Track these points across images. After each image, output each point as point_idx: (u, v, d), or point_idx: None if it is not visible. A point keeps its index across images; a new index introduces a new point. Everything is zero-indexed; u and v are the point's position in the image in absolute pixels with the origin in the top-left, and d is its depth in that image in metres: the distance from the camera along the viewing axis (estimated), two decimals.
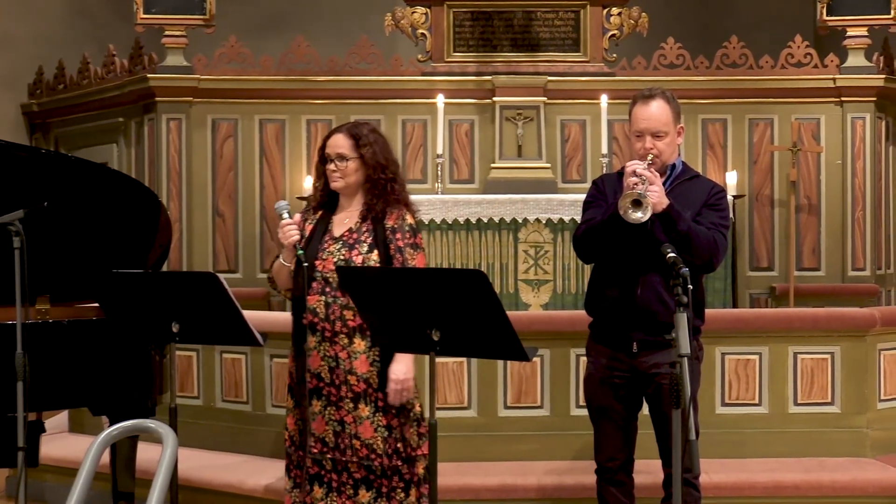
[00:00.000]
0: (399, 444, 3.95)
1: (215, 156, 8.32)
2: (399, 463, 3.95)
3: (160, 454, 2.65)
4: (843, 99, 8.28)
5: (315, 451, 3.97)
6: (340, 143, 4.01)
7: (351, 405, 3.93)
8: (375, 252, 3.94)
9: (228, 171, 8.34)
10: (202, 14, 8.14)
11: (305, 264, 3.89)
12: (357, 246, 3.96)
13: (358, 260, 3.92)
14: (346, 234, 4.00)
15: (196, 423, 5.81)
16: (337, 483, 3.95)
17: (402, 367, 3.89)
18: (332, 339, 3.93)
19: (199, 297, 3.83)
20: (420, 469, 4.00)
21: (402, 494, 3.96)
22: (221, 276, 3.82)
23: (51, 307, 4.74)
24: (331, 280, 3.92)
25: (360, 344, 3.92)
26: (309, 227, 4.09)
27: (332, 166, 4.01)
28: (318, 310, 3.93)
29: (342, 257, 3.94)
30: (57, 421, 6.45)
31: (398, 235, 3.97)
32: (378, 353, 3.93)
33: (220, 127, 8.32)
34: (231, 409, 5.87)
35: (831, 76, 8.28)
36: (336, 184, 4.02)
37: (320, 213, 4.11)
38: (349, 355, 3.92)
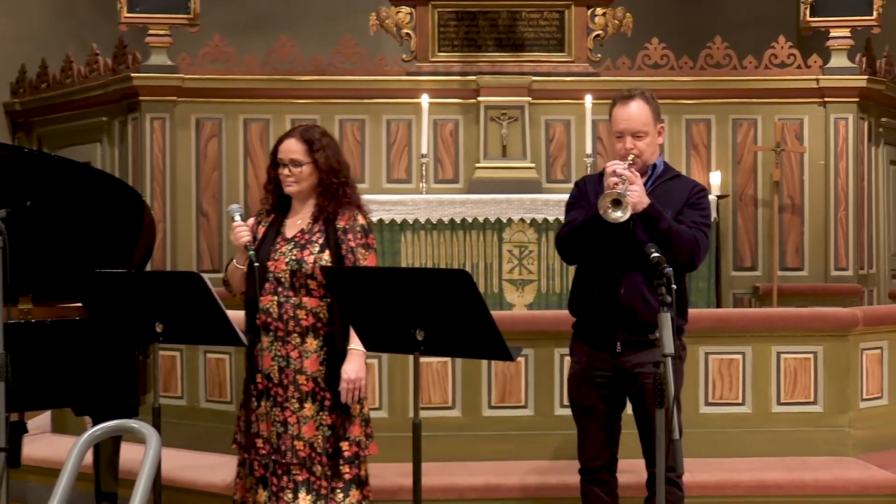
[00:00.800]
0: (342, 444, 3.96)
1: (199, 155, 8.30)
2: (339, 461, 3.95)
3: (143, 454, 2.64)
4: (826, 99, 8.31)
5: (263, 452, 3.99)
6: (294, 149, 4.04)
7: (297, 405, 3.95)
8: (327, 252, 3.96)
9: (212, 170, 8.32)
10: (186, 13, 8.12)
11: (257, 265, 3.92)
12: (308, 246, 3.98)
13: (310, 260, 3.95)
14: (298, 234, 4.03)
15: (180, 423, 5.79)
16: (277, 488, 3.96)
17: (355, 366, 3.91)
18: (284, 338, 3.95)
19: (182, 297, 3.83)
20: (364, 470, 4.02)
21: (342, 496, 3.96)
22: (205, 276, 3.82)
23: (34, 307, 4.73)
24: (283, 280, 3.95)
25: (311, 343, 3.94)
26: (262, 230, 4.11)
27: (285, 171, 4.04)
28: (271, 310, 3.96)
29: (294, 258, 3.97)
30: (39, 421, 6.43)
31: (350, 236, 3.99)
32: (328, 353, 3.95)
33: (203, 126, 8.30)
34: (215, 409, 5.86)
35: (814, 77, 8.31)
36: (290, 188, 4.05)
37: (272, 216, 4.12)
38: (300, 354, 3.94)
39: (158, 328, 3.87)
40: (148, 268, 5.58)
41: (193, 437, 5.84)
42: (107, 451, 4.67)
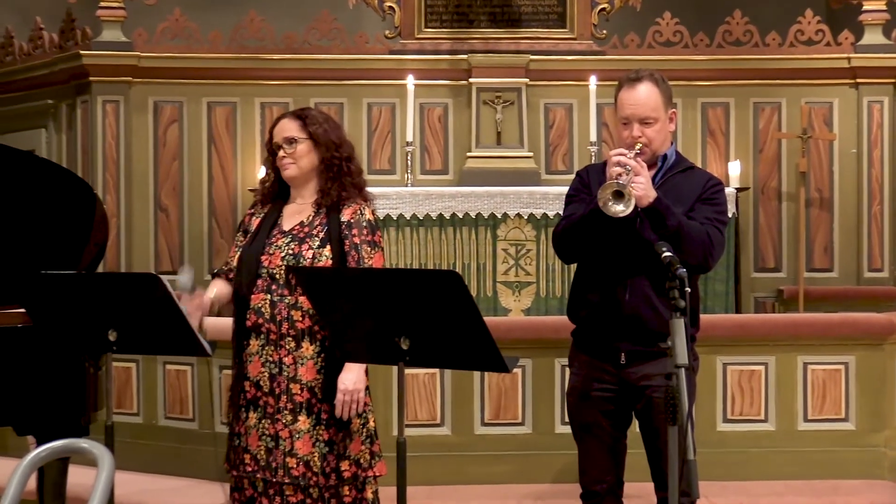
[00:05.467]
0: (342, 463, 3.96)
1: (158, 143, 8.30)
2: (335, 482, 3.95)
3: (94, 478, 2.65)
4: (858, 80, 8.35)
5: (249, 469, 3.98)
6: (287, 127, 4.07)
7: (289, 418, 3.94)
8: (328, 247, 3.96)
9: (172, 160, 8.31)
10: None
11: (211, 356, 3.91)
12: (308, 240, 3.98)
13: (308, 255, 3.94)
14: (297, 227, 4.03)
15: (135, 442, 5.80)
16: None
17: (352, 376, 3.90)
18: (277, 342, 3.95)
19: (139, 302, 3.82)
20: (369, 493, 4.01)
21: None
22: (164, 278, 3.82)
23: None
24: (277, 277, 3.95)
25: (308, 348, 3.93)
26: (256, 221, 4.11)
27: (281, 153, 4.04)
28: (262, 310, 3.95)
29: (291, 252, 3.96)
30: None
31: (354, 231, 3.99)
32: (326, 360, 3.95)
33: (162, 111, 8.30)
34: (175, 426, 5.87)
35: (845, 55, 8.34)
36: (288, 171, 4.05)
37: (269, 205, 4.13)
38: (294, 361, 3.93)
39: (112, 336, 3.87)
40: (100, 269, 5.58)
41: (151, 458, 5.85)
42: (53, 474, 4.66)
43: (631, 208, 3.68)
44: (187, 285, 3.99)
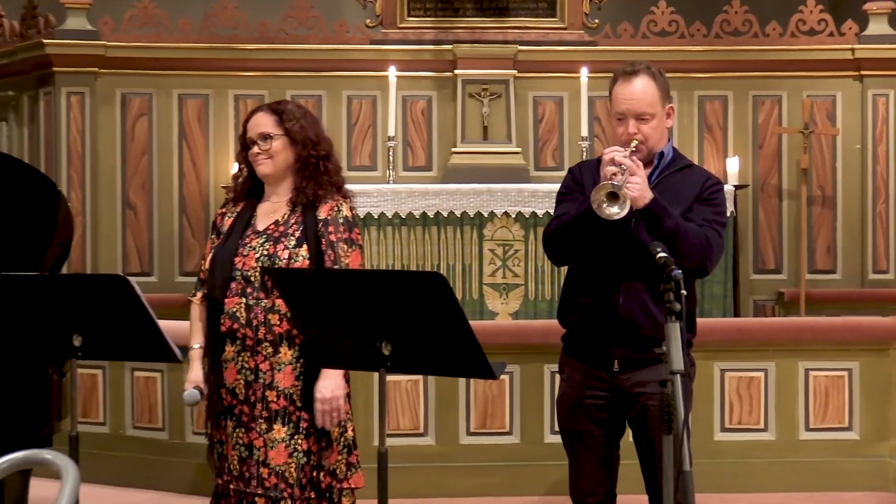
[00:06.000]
0: (318, 474, 3.96)
1: (125, 137, 8.28)
2: (312, 495, 3.95)
3: (58, 492, 2.64)
4: (862, 73, 8.37)
5: (226, 478, 3.99)
6: (262, 122, 4.06)
7: (264, 426, 3.94)
8: (304, 247, 3.96)
9: (141, 155, 8.30)
10: None
11: (182, 362, 3.92)
12: (283, 239, 3.98)
13: (284, 255, 3.94)
14: (272, 227, 4.03)
15: (101, 454, 5.78)
16: None
17: (330, 383, 3.90)
18: (253, 347, 3.94)
19: (105, 305, 3.82)
20: None
21: None
22: (132, 280, 3.81)
23: None
24: (252, 279, 3.94)
25: (286, 354, 3.93)
26: (228, 221, 4.10)
27: (255, 149, 4.04)
28: (237, 314, 3.95)
29: (265, 253, 3.96)
30: None
31: (331, 228, 3.99)
32: (305, 365, 3.94)
33: (130, 103, 8.28)
34: (143, 437, 5.85)
35: (849, 46, 8.37)
36: (263, 168, 4.05)
37: (242, 204, 4.12)
38: (272, 367, 3.93)
39: (76, 341, 3.86)
40: (64, 270, 5.56)
41: (118, 470, 5.83)
42: (14, 487, 4.65)
43: (626, 210, 3.68)
44: (196, 399, 4.03)
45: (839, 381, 5.72)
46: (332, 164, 4.11)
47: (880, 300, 8.08)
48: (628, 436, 4.05)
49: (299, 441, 3.94)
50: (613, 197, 3.67)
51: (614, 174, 3.72)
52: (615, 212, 3.68)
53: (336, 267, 3.93)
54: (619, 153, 3.80)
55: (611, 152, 3.82)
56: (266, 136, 4.04)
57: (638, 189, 3.73)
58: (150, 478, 5.80)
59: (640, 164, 3.82)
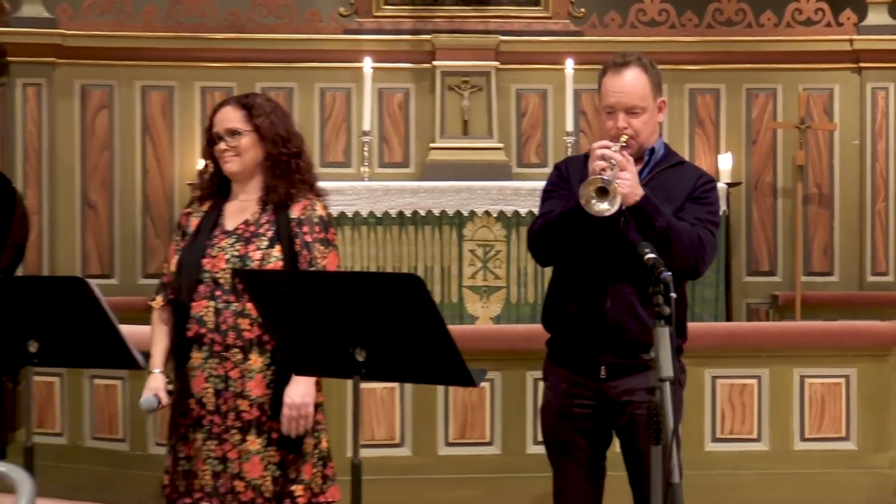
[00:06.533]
0: (295, 488, 3.96)
1: (85, 131, 8.26)
2: None
3: None
4: (861, 65, 8.41)
5: (198, 496, 3.97)
6: (230, 117, 4.04)
7: (238, 437, 3.93)
8: (277, 247, 3.96)
9: (102, 150, 8.27)
10: None
11: (144, 369, 3.91)
12: (255, 240, 3.97)
13: (256, 256, 3.94)
14: (242, 226, 4.01)
15: (58, 466, 5.76)
16: None
17: (300, 389, 3.90)
18: (222, 354, 3.93)
19: (63, 309, 3.81)
20: None
21: None
22: (92, 282, 3.80)
23: None
24: (222, 282, 3.93)
25: (256, 360, 3.93)
26: (195, 222, 4.09)
27: (222, 145, 4.02)
28: (205, 318, 3.94)
29: (236, 253, 3.95)
30: None
31: (305, 228, 3.99)
32: (276, 373, 3.94)
33: (90, 95, 8.26)
34: (103, 448, 5.83)
35: (847, 37, 8.40)
36: (230, 165, 4.03)
37: (209, 203, 4.11)
38: (242, 374, 3.93)
39: (32, 348, 3.85)
40: (20, 272, 5.55)
41: (76, 483, 5.81)
42: None
43: (616, 207, 3.69)
44: (153, 405, 4.01)
45: (836, 389, 5.74)
46: (303, 162, 4.10)
47: (879, 304, 8.11)
48: (615, 446, 4.06)
49: (272, 453, 3.94)
50: (603, 192, 3.67)
51: (603, 169, 3.73)
52: (605, 208, 3.68)
53: (312, 268, 3.93)
54: (608, 147, 3.80)
55: (600, 146, 3.82)
56: (234, 132, 4.03)
57: (628, 185, 3.74)
58: (109, 492, 5.78)
59: (631, 159, 3.83)
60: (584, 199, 3.70)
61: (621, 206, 3.72)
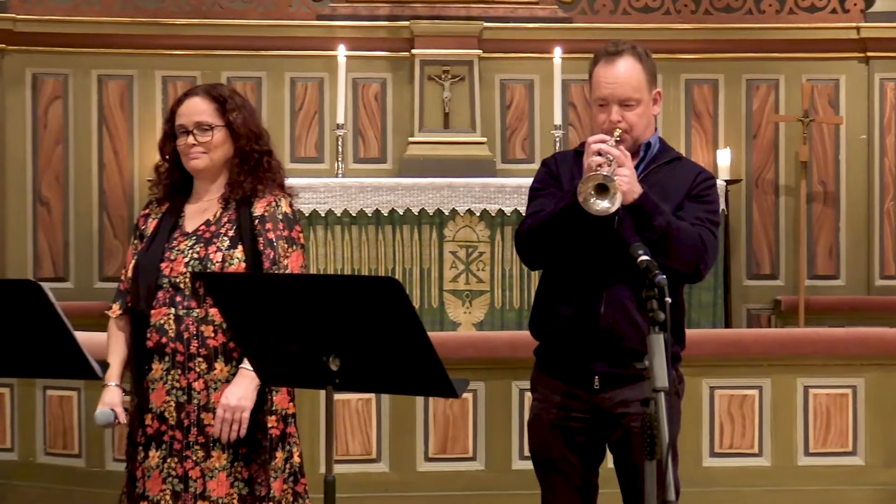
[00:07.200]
0: None
1: (37, 123, 8.24)
2: None
3: None
4: (868, 54, 8.44)
5: None
6: (201, 109, 4.01)
7: (201, 454, 3.91)
8: (240, 248, 3.94)
9: (55, 144, 8.25)
10: None
11: (101, 378, 3.88)
12: (216, 240, 3.95)
13: (216, 258, 3.92)
14: (202, 227, 4.00)
15: (9, 483, 5.75)
16: None
17: (238, 390, 3.87)
18: (185, 364, 3.92)
19: (13, 314, 3.78)
20: None
21: None
22: (45, 286, 3.78)
23: None
24: (182, 287, 3.92)
25: (221, 370, 3.91)
26: (153, 224, 4.07)
27: (190, 140, 4.00)
28: (165, 327, 3.92)
29: (196, 256, 3.93)
30: None
31: (269, 225, 3.97)
32: None
33: (43, 85, 8.24)
34: (57, 464, 5.82)
35: (854, 24, 8.43)
36: (197, 162, 4.01)
37: (168, 203, 4.09)
38: (206, 385, 3.91)
39: None
40: None
41: (28, 501, 5.80)
42: None
43: (617, 205, 3.68)
44: (109, 420, 3.99)
45: (842, 400, 5.75)
46: (274, 161, 4.10)
47: (888, 309, 8.14)
48: (608, 462, 4.05)
49: (240, 469, 3.92)
50: (602, 190, 3.67)
51: (600, 165, 3.72)
52: (605, 206, 3.67)
53: (275, 268, 3.92)
54: (604, 142, 3.80)
55: (596, 141, 3.81)
56: (206, 127, 4.00)
57: (627, 182, 3.73)
58: None
59: (629, 154, 3.82)
60: (582, 196, 3.69)
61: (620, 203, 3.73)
